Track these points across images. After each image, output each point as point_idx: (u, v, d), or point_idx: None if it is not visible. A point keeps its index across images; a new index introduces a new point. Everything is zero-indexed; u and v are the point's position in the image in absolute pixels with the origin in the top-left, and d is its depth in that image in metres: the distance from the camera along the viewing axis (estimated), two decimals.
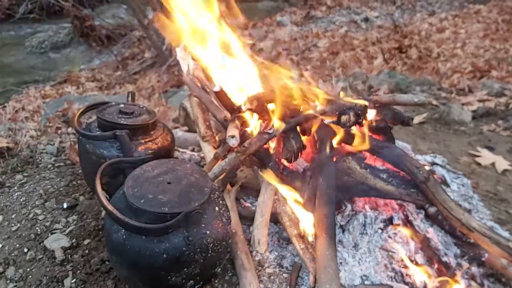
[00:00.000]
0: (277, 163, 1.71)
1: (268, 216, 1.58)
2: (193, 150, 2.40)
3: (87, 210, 1.82)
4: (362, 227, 1.62)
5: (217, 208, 1.35)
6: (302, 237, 1.50)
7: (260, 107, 1.69)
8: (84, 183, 2.01)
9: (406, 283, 1.46)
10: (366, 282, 1.46)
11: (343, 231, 1.63)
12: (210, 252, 1.27)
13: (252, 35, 8.19)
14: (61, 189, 1.98)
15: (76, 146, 2.03)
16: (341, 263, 1.51)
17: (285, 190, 1.62)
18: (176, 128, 2.83)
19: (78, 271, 1.53)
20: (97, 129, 1.68)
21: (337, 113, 1.63)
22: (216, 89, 1.58)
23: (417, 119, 3.48)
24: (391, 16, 8.58)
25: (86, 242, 1.67)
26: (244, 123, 1.73)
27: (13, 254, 1.60)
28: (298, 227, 1.54)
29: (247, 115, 1.72)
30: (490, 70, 5.13)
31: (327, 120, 1.65)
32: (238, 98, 1.79)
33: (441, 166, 2.35)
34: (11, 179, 2.08)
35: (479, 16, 7.82)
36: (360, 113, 1.62)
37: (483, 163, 2.66)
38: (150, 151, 1.64)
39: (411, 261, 1.53)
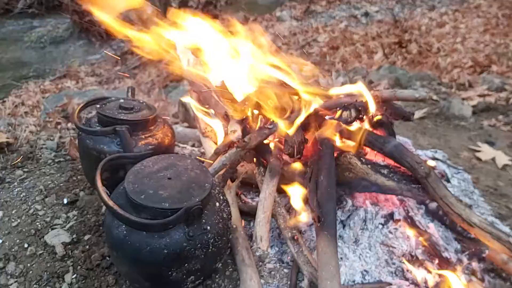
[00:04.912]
0: (278, 158, 1.70)
1: (270, 212, 1.58)
2: (193, 146, 2.39)
3: (88, 205, 1.82)
4: (362, 222, 1.62)
5: (217, 204, 1.35)
6: (296, 239, 1.50)
7: (260, 102, 1.68)
8: (84, 178, 2.01)
9: (406, 279, 1.46)
10: (366, 277, 1.46)
11: (344, 226, 1.63)
12: (210, 247, 1.27)
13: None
14: (61, 184, 1.98)
15: (76, 141, 2.02)
16: (341, 258, 1.51)
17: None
18: (176, 123, 2.83)
19: (79, 267, 1.53)
20: (97, 124, 1.68)
21: (338, 108, 1.63)
22: (218, 83, 1.58)
23: (417, 114, 3.47)
24: (391, 10, 8.55)
25: (86, 237, 1.67)
26: (245, 119, 1.72)
27: (13, 250, 1.60)
28: (292, 229, 1.54)
29: (247, 110, 1.72)
30: (490, 65, 5.11)
31: (328, 115, 1.64)
32: (239, 93, 1.78)
33: (441, 161, 2.35)
34: (11, 174, 2.08)
35: (479, 10, 7.79)
36: (361, 109, 1.62)
37: (484, 158, 2.66)
38: (150, 147, 1.64)
39: (412, 256, 1.53)
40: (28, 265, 1.55)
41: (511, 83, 4.06)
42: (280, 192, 1.68)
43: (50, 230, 1.69)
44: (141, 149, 1.61)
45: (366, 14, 8.77)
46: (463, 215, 1.53)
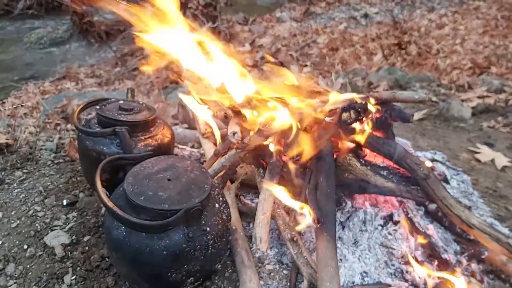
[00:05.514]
0: (278, 160, 1.70)
1: (270, 213, 1.58)
2: (193, 147, 2.39)
3: (87, 207, 1.82)
4: (362, 223, 1.62)
5: (217, 205, 1.35)
6: (295, 241, 1.50)
7: (259, 104, 1.68)
8: (83, 179, 2.01)
9: (406, 280, 1.46)
10: (366, 279, 1.46)
11: (343, 227, 1.63)
12: (210, 249, 1.27)
13: (252, 31, 8.18)
14: (61, 185, 1.97)
15: (76, 142, 2.02)
16: (341, 259, 1.51)
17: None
18: (175, 124, 2.83)
19: (78, 268, 1.53)
20: (97, 125, 1.68)
21: (337, 110, 1.63)
22: (217, 85, 1.58)
23: (416, 116, 3.48)
24: (390, 12, 8.56)
25: (86, 238, 1.67)
26: (244, 120, 1.72)
27: (13, 251, 1.60)
28: (292, 231, 1.54)
29: (247, 111, 1.72)
30: (489, 66, 5.12)
31: (328, 117, 1.64)
32: (239, 95, 1.78)
33: (440, 162, 2.35)
34: (10, 175, 2.08)
35: (478, 12, 7.81)
36: (360, 110, 1.62)
37: (483, 160, 2.66)
38: (150, 148, 1.64)
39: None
40: (28, 266, 1.55)
41: (510, 85, 4.07)
42: None
43: (49, 231, 1.69)
44: (140, 150, 1.61)
45: (366, 16, 8.79)
46: (463, 217, 1.53)
